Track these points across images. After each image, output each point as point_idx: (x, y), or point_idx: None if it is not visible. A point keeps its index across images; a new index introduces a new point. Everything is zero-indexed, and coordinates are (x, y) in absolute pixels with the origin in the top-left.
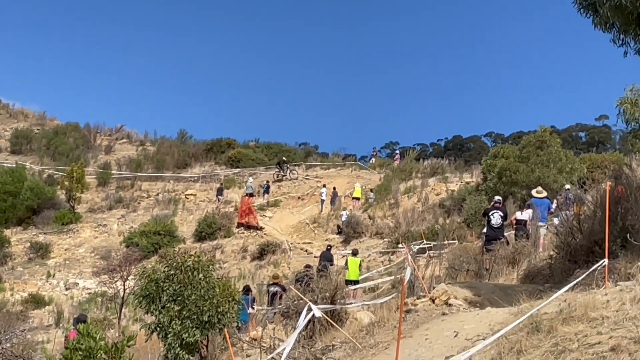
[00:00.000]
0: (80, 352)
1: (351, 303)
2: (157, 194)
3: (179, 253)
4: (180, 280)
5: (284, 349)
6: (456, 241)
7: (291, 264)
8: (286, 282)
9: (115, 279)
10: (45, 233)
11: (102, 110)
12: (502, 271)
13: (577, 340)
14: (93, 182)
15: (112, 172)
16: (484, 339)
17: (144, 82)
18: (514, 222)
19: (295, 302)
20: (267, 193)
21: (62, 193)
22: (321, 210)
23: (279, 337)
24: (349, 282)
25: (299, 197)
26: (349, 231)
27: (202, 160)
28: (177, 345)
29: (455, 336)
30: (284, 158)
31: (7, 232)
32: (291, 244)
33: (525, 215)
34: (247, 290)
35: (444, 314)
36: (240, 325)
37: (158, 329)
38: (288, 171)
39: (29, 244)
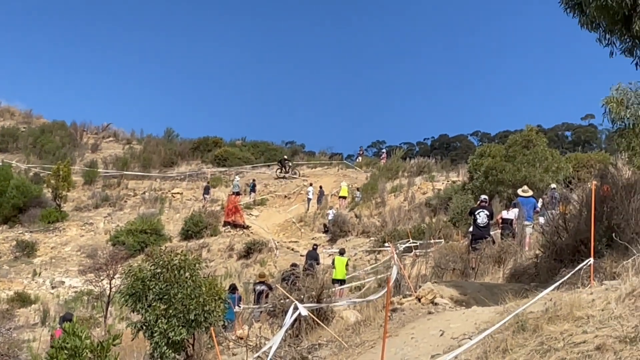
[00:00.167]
0: (65, 351)
1: (337, 302)
2: (144, 193)
3: (165, 252)
4: (167, 279)
5: (270, 347)
6: (442, 240)
7: (277, 263)
8: (272, 280)
9: (102, 278)
10: (31, 231)
11: (88, 109)
12: (488, 270)
13: (562, 339)
14: (79, 180)
15: (99, 170)
16: (470, 338)
17: (131, 81)
18: (500, 221)
19: (281, 301)
20: (254, 192)
21: (48, 191)
22: (308, 209)
23: (265, 336)
24: (335, 282)
25: (285, 196)
26: (336, 230)
27: (188, 159)
28: (163, 343)
29: (441, 335)
30: (285, 156)
31: None
32: (277, 242)
33: (512, 214)
34: (233, 289)
35: (430, 312)
36: (226, 323)
37: (144, 327)
38: (290, 169)
39: (15, 243)
